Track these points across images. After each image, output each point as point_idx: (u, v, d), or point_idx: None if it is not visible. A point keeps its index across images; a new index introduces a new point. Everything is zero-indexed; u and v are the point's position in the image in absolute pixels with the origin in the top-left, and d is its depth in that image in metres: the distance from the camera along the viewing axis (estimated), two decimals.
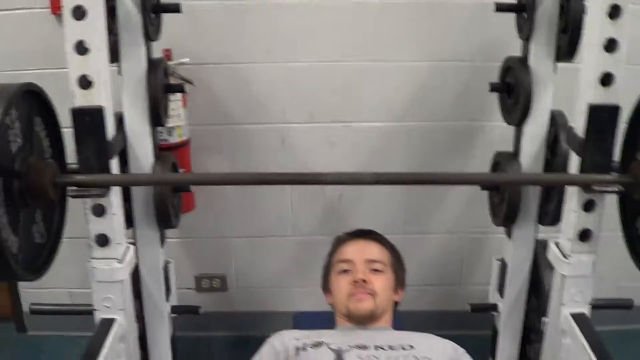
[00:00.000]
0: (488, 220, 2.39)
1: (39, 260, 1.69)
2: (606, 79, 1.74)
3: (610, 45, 1.70)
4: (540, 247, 2.30)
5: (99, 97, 1.73)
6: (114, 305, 1.90)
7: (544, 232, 2.19)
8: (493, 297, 2.56)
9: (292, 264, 2.63)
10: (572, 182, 1.84)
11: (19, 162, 1.50)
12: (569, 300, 1.91)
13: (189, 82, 2.49)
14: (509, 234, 2.40)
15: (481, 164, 2.42)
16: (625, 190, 1.79)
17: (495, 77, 2.34)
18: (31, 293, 2.76)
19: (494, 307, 2.53)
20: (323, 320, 1.99)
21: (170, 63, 2.45)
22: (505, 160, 2.30)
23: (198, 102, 2.58)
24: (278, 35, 2.53)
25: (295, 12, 2.50)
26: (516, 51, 2.24)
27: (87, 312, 1.94)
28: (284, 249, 2.79)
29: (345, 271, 1.92)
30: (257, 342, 1.88)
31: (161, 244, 2.38)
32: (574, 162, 1.85)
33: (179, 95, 2.44)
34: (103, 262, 1.86)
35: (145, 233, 2.32)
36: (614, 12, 1.67)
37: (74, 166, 1.77)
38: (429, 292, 2.92)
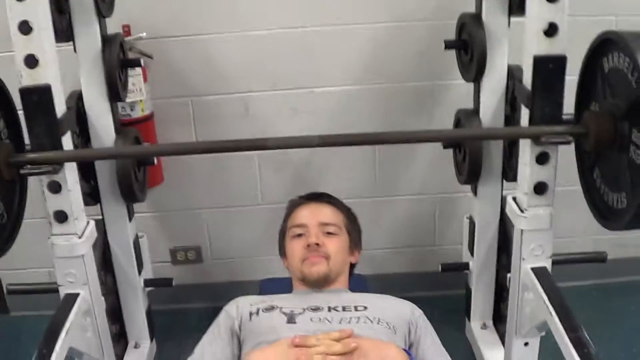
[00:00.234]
0: None
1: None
2: (550, 30, 1.73)
3: None
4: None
5: (45, 75, 1.74)
6: (77, 280, 1.92)
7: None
8: (466, 256, 2.58)
9: (265, 233, 2.62)
10: (521, 135, 1.84)
11: None
12: (529, 255, 1.91)
13: (148, 56, 2.48)
14: (474, 191, 2.40)
15: (448, 123, 2.41)
16: (578, 141, 1.80)
17: (454, 35, 2.33)
18: (11, 274, 2.77)
19: (465, 266, 2.54)
20: (288, 286, 2.01)
21: (128, 38, 2.44)
22: (465, 117, 2.29)
23: (160, 76, 2.56)
24: (235, 4, 2.50)
25: None
26: (473, 7, 2.23)
27: (56, 289, 1.97)
28: (256, 217, 2.80)
29: (299, 235, 1.92)
30: None
31: (129, 218, 2.41)
32: (524, 115, 1.85)
33: (139, 70, 2.43)
34: (62, 238, 1.88)
35: (112, 208, 2.35)
36: None
37: None
38: (403, 254, 2.92)
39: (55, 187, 1.81)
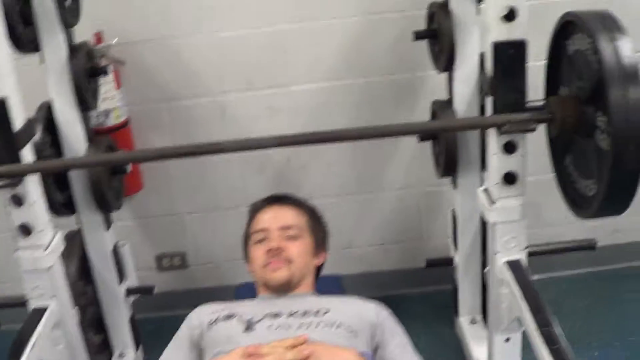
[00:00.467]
0: None
1: None
2: (509, 14, 1.66)
3: None
4: None
5: (2, 88, 1.71)
6: (45, 293, 1.90)
7: None
8: (453, 251, 2.52)
9: None
10: (483, 125, 1.79)
11: None
12: (502, 248, 1.84)
13: (121, 62, 2.46)
14: (454, 184, 2.35)
15: (427, 115, 2.35)
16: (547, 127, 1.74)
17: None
18: None
19: (450, 261, 2.49)
20: None
21: (99, 46, 2.42)
22: (439, 108, 2.24)
23: (135, 82, 2.55)
24: (205, 5, 2.47)
25: None
26: None
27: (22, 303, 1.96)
28: (241, 220, 2.73)
29: (260, 240, 1.88)
30: None
31: (106, 228, 2.38)
32: (489, 104, 1.79)
33: (111, 77, 2.42)
34: (28, 252, 1.86)
35: (88, 218, 2.33)
36: None
37: None
38: (391, 251, 2.87)
39: (18, 201, 1.79)
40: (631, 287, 2.79)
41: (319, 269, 1.98)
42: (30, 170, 1.83)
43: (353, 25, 2.51)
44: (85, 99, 2.17)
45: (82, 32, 2.25)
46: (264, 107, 2.60)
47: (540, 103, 1.75)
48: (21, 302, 1.95)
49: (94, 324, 2.41)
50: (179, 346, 1.76)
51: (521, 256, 1.86)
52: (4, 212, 1.81)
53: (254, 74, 2.57)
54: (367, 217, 2.78)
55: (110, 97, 2.44)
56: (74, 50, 2.16)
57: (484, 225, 2.32)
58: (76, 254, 2.33)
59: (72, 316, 2.02)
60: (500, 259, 1.85)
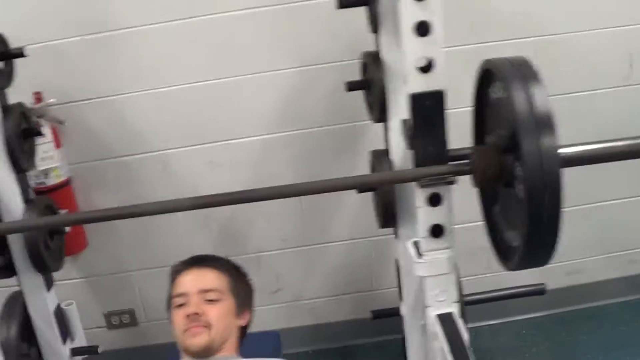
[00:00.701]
0: None
1: None
2: (427, 66, 1.65)
3: (422, 28, 1.61)
4: None
5: None
6: None
7: None
8: (399, 301, 2.48)
9: None
10: (404, 179, 1.76)
11: None
12: (432, 302, 1.80)
13: (60, 121, 2.45)
14: (395, 234, 2.32)
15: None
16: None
17: None
18: None
19: (396, 311, 2.44)
20: None
21: (38, 105, 2.41)
22: (376, 159, 2.22)
23: (76, 140, 2.54)
24: (143, 62, 2.48)
25: (156, 37, 2.45)
26: None
27: None
28: None
29: (180, 305, 1.83)
30: None
31: (47, 289, 2.34)
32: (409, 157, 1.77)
33: (49, 137, 2.41)
34: None
35: (28, 280, 2.28)
36: None
37: None
38: (344, 302, 2.83)
39: None
40: (585, 329, 2.77)
41: (244, 329, 1.94)
42: None
43: (290, 76, 2.51)
44: (19, 160, 2.15)
45: (22, 92, 2.24)
46: (205, 162, 2.59)
47: (467, 151, 1.74)
48: None
49: None
50: None
51: (452, 309, 1.82)
52: None
53: (194, 129, 2.56)
54: (316, 269, 2.75)
55: (49, 156, 2.43)
56: (7, 111, 2.14)
57: None
58: (18, 315, 2.29)
59: None
60: (431, 312, 1.81)
